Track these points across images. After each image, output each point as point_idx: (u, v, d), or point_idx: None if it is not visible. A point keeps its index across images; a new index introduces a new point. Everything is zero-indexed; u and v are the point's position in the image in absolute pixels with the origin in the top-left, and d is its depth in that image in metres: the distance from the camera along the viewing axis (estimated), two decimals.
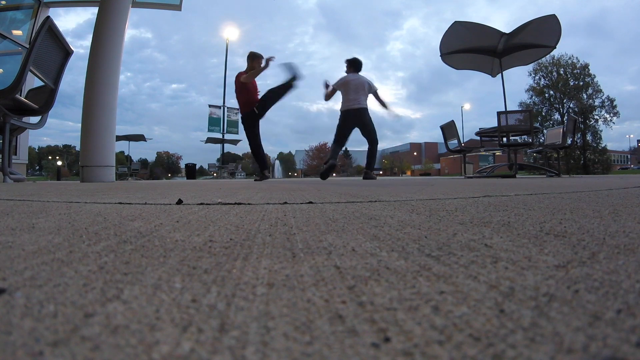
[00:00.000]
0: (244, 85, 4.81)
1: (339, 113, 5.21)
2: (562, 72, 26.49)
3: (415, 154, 72.03)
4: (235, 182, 4.38)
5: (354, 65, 5.26)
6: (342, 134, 5.17)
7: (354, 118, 5.13)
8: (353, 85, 5.11)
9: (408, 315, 0.23)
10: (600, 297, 0.25)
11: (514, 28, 6.27)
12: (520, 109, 24.12)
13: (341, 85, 5.14)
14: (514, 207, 0.84)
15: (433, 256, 0.38)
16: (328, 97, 5.30)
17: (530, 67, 26.27)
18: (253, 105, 4.87)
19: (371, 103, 5.26)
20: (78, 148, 5.09)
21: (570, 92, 25.98)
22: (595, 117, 25.66)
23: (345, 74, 5.24)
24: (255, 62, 4.88)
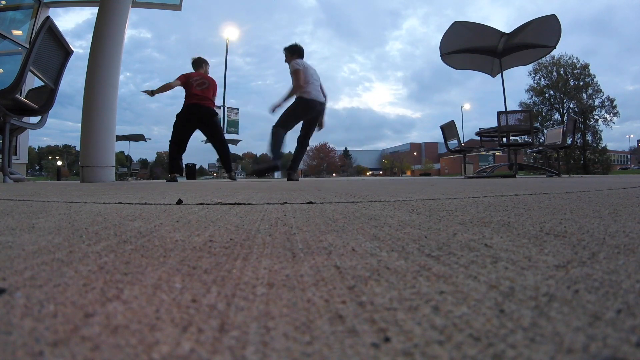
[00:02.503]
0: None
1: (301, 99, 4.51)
2: (562, 72, 26.50)
3: (415, 154, 72.06)
4: (235, 182, 4.38)
5: (298, 52, 4.66)
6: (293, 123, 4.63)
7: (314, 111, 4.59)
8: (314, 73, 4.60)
9: (408, 315, 0.23)
10: (600, 297, 0.25)
11: (514, 27, 6.27)
12: (520, 109, 24.16)
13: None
14: (514, 207, 0.84)
15: (433, 256, 0.38)
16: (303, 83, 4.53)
17: (530, 67, 26.31)
18: (197, 100, 4.73)
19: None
20: (78, 148, 5.09)
21: (570, 92, 25.98)
22: (595, 117, 25.67)
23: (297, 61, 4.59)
24: (207, 67, 4.94)
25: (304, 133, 4.70)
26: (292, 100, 4.61)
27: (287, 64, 4.65)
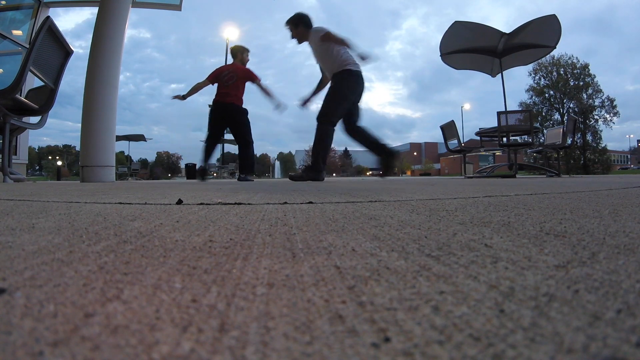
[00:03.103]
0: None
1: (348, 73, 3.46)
2: (562, 72, 26.53)
3: (415, 154, 72.10)
4: (235, 182, 4.38)
5: (304, 22, 3.70)
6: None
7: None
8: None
9: (408, 315, 0.23)
10: (600, 297, 0.25)
11: (514, 27, 6.28)
12: (520, 109, 24.19)
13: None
14: (514, 207, 0.84)
15: (433, 256, 0.38)
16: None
17: (530, 67, 26.36)
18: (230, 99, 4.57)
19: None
20: (78, 148, 5.09)
21: (570, 92, 26.01)
22: (595, 117, 25.70)
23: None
24: (245, 55, 4.75)
25: (351, 119, 3.63)
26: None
27: (297, 46, 3.70)
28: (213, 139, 4.78)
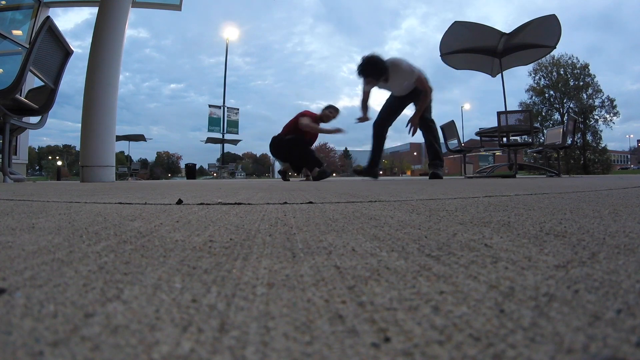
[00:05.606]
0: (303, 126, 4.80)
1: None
2: (562, 72, 26.55)
3: (415, 154, 71.98)
4: (236, 182, 4.37)
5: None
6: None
7: None
8: None
9: (408, 315, 0.23)
10: (600, 297, 0.25)
11: (514, 27, 6.27)
12: (520, 108, 24.19)
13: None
14: (514, 207, 0.84)
15: (433, 256, 0.38)
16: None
17: (530, 67, 26.37)
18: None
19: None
20: (78, 148, 5.08)
21: (570, 92, 26.04)
22: (595, 117, 25.73)
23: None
24: (328, 111, 4.99)
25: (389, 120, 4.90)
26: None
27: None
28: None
